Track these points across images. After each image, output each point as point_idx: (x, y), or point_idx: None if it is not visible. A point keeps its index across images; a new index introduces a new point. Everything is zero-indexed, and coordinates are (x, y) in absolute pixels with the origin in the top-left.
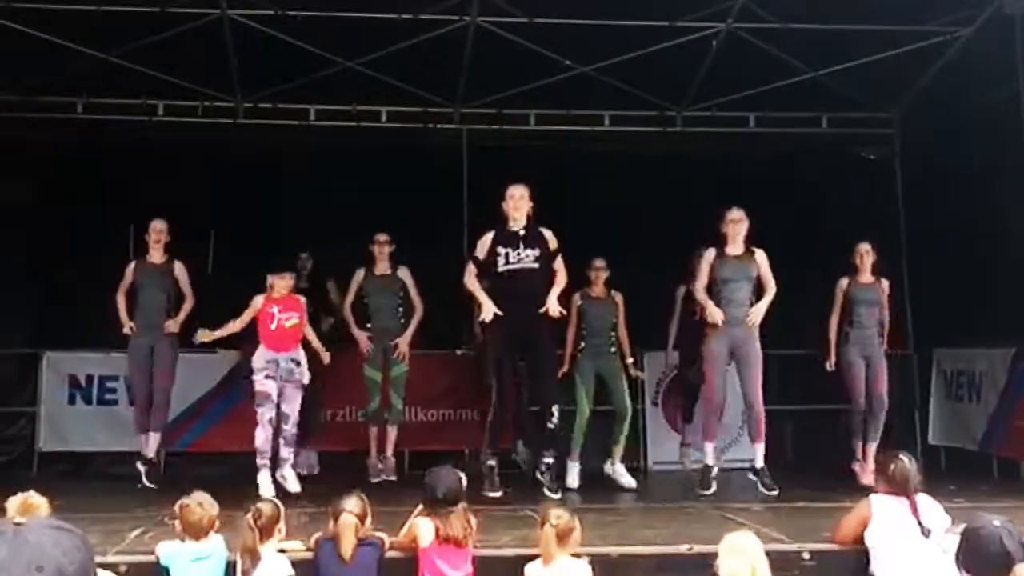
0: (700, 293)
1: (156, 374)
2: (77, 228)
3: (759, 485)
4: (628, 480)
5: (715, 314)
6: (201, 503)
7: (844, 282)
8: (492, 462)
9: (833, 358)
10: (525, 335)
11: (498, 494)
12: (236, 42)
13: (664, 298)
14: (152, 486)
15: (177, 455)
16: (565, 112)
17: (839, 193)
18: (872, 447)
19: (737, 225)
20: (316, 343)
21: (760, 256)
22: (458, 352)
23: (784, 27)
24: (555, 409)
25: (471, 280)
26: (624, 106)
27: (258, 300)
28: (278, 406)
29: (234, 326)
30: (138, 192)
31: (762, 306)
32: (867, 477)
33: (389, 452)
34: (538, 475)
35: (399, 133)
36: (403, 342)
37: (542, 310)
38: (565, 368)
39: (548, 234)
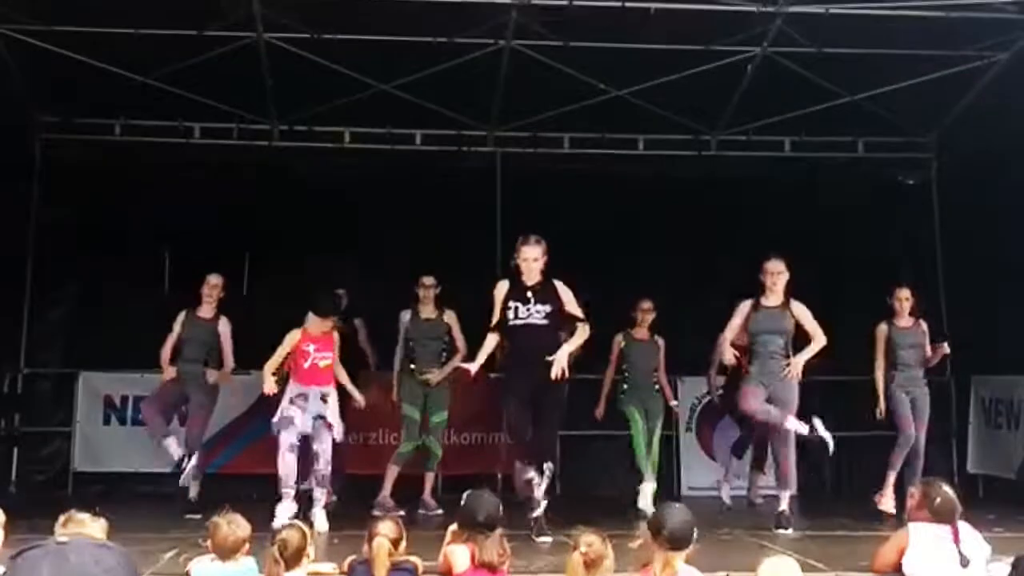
0: (725, 343)
1: (189, 419)
2: (113, 249)
3: (776, 527)
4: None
5: (726, 353)
6: (230, 522)
7: (884, 327)
8: (530, 474)
9: (883, 405)
10: (534, 387)
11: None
12: (272, 65)
13: (699, 321)
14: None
15: (211, 476)
16: (599, 135)
17: (875, 218)
18: (911, 487)
19: (776, 277)
20: (349, 386)
21: (798, 309)
22: (491, 375)
23: (819, 51)
24: (547, 467)
25: (488, 342)
26: (659, 130)
27: (295, 335)
28: (310, 445)
29: (274, 364)
30: (174, 213)
31: (803, 357)
32: (885, 504)
33: (427, 494)
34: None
35: (433, 156)
36: (439, 374)
37: (550, 358)
38: (600, 411)
39: (562, 288)
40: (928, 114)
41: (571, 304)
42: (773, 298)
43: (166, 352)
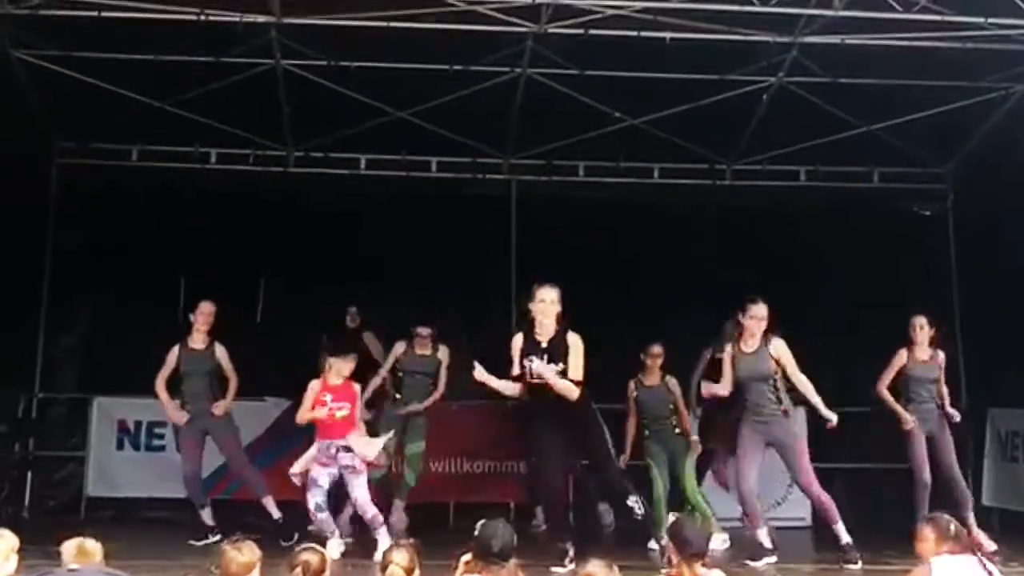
0: (724, 390)
1: (223, 448)
2: (128, 274)
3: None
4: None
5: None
6: (239, 548)
7: (903, 355)
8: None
9: (904, 416)
10: (571, 438)
11: None
12: (288, 92)
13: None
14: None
15: (225, 502)
16: (614, 164)
17: (891, 248)
18: (969, 519)
19: (755, 323)
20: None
21: (776, 348)
22: (508, 403)
23: (835, 81)
24: (631, 501)
25: (508, 387)
26: (674, 159)
27: (315, 385)
28: (345, 494)
29: (304, 417)
30: (190, 238)
31: (817, 403)
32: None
33: (394, 519)
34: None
35: (448, 183)
36: (418, 406)
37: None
38: (625, 459)
39: (572, 341)
40: (944, 145)
41: (575, 370)
42: (752, 342)
43: (160, 385)
